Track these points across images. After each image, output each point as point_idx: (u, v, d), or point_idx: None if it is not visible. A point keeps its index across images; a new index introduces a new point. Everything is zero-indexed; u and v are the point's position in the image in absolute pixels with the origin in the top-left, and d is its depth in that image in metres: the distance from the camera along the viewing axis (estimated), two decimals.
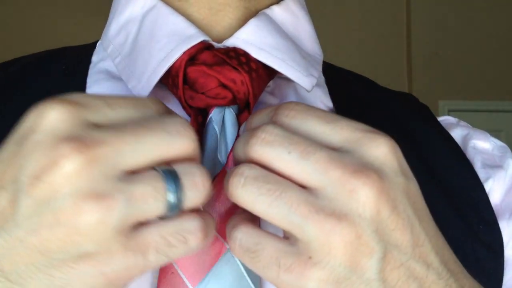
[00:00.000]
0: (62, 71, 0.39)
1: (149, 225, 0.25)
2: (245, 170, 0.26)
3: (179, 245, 0.25)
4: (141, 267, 0.25)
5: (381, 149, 0.26)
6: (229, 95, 0.34)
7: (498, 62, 2.59)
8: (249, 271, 0.31)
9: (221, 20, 0.37)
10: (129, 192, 0.24)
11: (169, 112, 0.28)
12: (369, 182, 0.25)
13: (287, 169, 0.26)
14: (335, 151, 0.26)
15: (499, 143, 0.44)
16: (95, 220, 0.23)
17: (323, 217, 0.24)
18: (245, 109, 0.35)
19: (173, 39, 0.35)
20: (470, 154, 0.42)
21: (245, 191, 0.26)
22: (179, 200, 0.25)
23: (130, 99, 0.26)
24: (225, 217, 0.32)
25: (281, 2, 0.39)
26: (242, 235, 0.26)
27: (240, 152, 0.28)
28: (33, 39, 2.31)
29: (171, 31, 0.36)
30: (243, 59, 0.35)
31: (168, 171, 0.25)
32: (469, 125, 0.46)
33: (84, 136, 0.23)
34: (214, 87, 0.34)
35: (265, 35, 0.36)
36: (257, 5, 0.38)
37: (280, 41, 0.36)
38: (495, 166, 0.42)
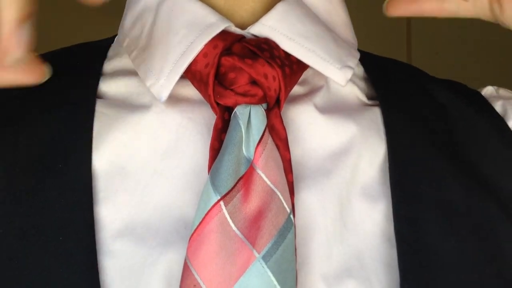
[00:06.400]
0: (76, 67, 0.36)
1: None
2: None
3: None
4: None
5: None
6: (260, 93, 0.30)
7: (498, 62, 2.58)
8: (282, 283, 0.27)
9: (244, 3, 0.34)
10: None
11: None
12: None
13: None
14: None
15: None
16: None
17: None
18: (274, 106, 0.31)
19: (192, 29, 0.32)
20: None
21: None
22: None
23: None
24: (253, 220, 0.28)
25: None
26: None
27: None
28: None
29: (189, 20, 0.33)
30: (276, 53, 0.31)
31: None
32: (510, 92, 0.41)
33: None
34: (244, 83, 0.30)
35: (293, 22, 0.32)
36: None
37: (311, 27, 0.33)
38: None
